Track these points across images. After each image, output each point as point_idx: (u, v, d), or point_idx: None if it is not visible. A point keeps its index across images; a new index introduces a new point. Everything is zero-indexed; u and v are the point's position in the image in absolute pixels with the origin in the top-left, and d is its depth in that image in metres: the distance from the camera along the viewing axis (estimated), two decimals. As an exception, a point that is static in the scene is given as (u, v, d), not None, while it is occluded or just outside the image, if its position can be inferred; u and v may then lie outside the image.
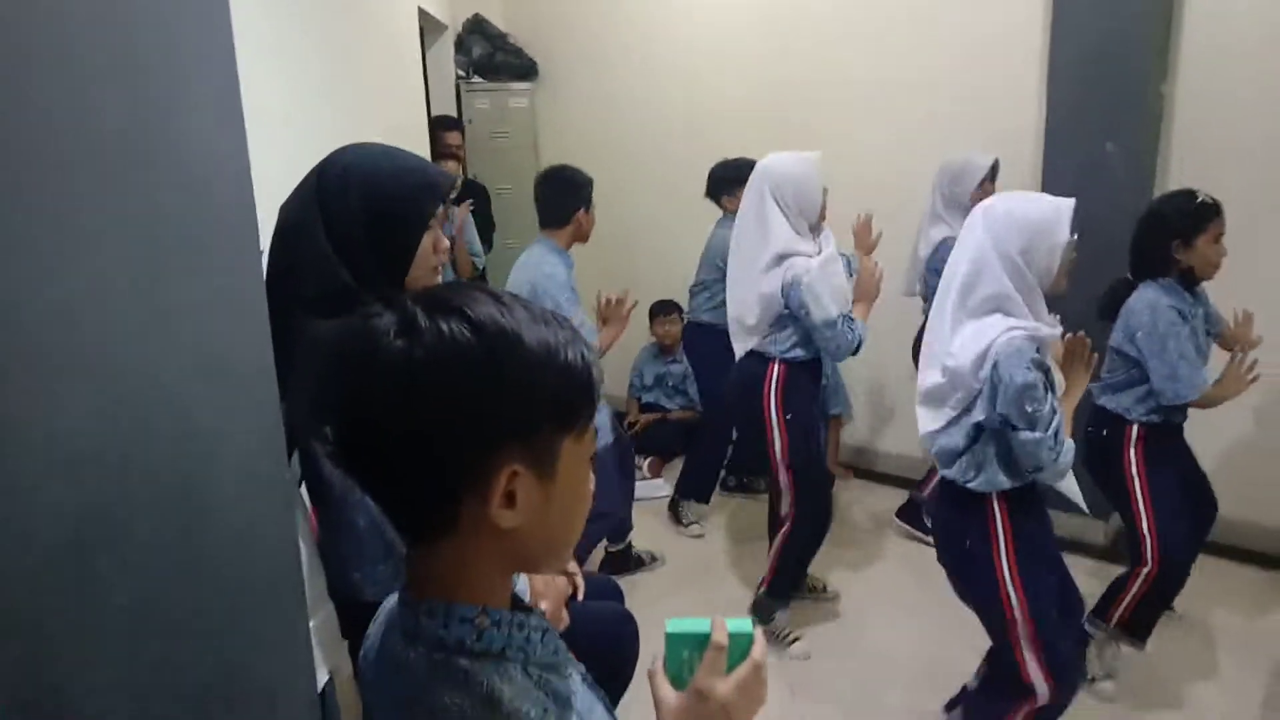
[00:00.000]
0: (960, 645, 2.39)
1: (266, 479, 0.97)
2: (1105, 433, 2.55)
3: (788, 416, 2.75)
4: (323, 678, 1.35)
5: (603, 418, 2.88)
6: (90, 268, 0.70)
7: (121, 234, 0.74)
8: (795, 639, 2.88)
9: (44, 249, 0.65)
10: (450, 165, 3.86)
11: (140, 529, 0.75)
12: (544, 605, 1.51)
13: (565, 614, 1.58)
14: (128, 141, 0.75)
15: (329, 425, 0.75)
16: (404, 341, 0.71)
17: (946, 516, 2.10)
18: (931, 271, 3.17)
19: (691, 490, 3.80)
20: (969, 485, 1.96)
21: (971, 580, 2.06)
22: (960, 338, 1.90)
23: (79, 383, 0.68)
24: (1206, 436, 2.82)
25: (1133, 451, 2.50)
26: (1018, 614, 1.97)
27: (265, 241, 1.10)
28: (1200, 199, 2.40)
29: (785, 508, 2.84)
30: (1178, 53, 3.16)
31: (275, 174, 1.36)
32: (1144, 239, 2.48)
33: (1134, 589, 2.54)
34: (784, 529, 2.85)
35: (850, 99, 3.97)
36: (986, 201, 1.94)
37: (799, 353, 2.73)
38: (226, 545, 0.87)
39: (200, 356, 0.85)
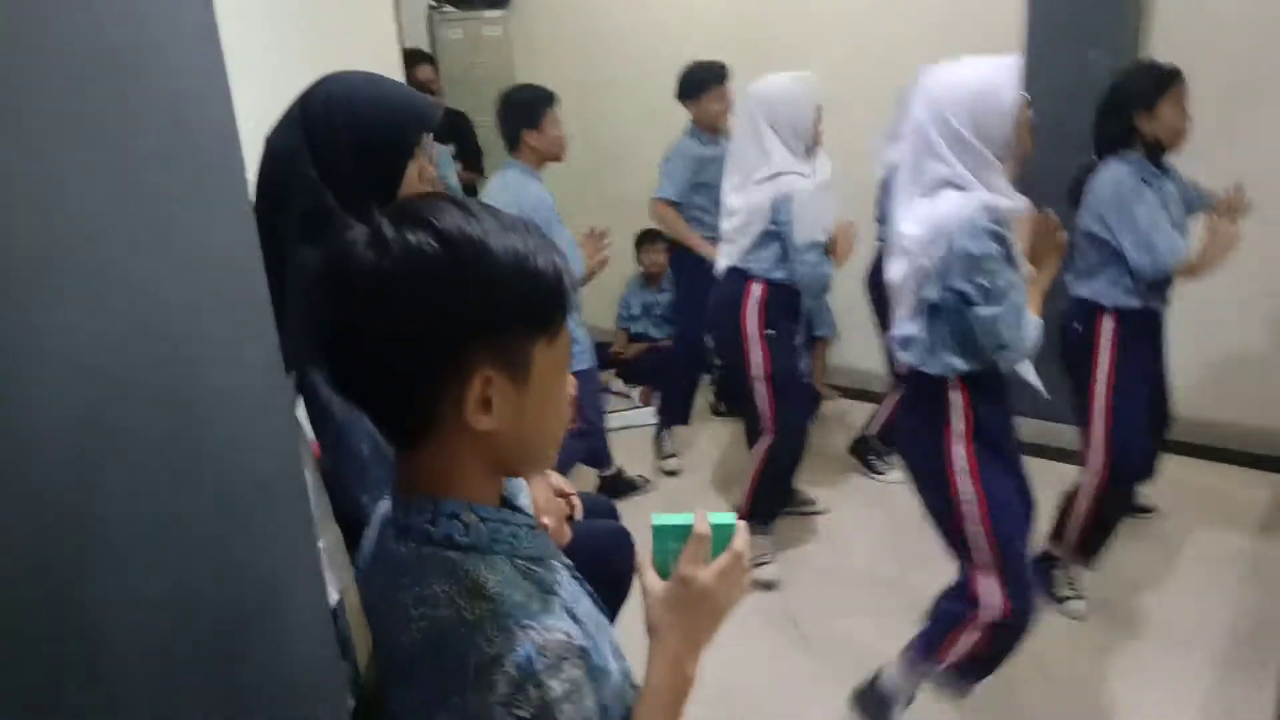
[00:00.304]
0: (943, 569, 2.14)
1: (264, 388, 0.99)
2: (1081, 327, 2.45)
3: (768, 332, 2.72)
4: (333, 597, 1.39)
5: (583, 336, 2.89)
6: (75, 180, 0.70)
7: (103, 146, 0.75)
8: (764, 563, 2.84)
9: (28, 163, 0.65)
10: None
11: (142, 436, 0.78)
12: (547, 521, 1.55)
13: (567, 529, 1.62)
14: (107, 60, 0.74)
15: (321, 343, 0.78)
16: (373, 253, 0.74)
17: (907, 410, 2.02)
18: (888, 194, 3.08)
19: (669, 417, 3.77)
20: (925, 370, 1.83)
21: (926, 475, 1.93)
22: (912, 217, 1.77)
23: (74, 295, 0.70)
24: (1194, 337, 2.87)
25: (1107, 342, 2.39)
26: (972, 511, 1.83)
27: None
28: (1159, 65, 2.36)
29: (763, 424, 2.82)
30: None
31: (244, 107, 1.34)
32: (1106, 114, 2.41)
33: (1083, 505, 2.47)
34: (762, 448, 2.83)
35: (833, 16, 3.91)
36: (925, 77, 1.77)
37: (781, 273, 2.69)
38: (228, 449, 0.90)
39: (192, 267, 0.86)
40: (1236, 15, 3.05)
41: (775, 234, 2.64)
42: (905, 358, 1.88)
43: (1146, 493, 2.91)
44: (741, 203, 2.66)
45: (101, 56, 0.74)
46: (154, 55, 0.80)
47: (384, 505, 0.89)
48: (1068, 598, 2.58)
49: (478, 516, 0.81)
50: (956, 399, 1.83)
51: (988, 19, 3.43)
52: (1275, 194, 3.06)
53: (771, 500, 2.94)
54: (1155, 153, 2.36)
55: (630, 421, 4.04)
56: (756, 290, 2.71)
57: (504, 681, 0.73)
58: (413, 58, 4.08)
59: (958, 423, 1.83)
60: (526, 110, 2.89)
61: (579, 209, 4.65)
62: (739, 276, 2.74)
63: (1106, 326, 2.40)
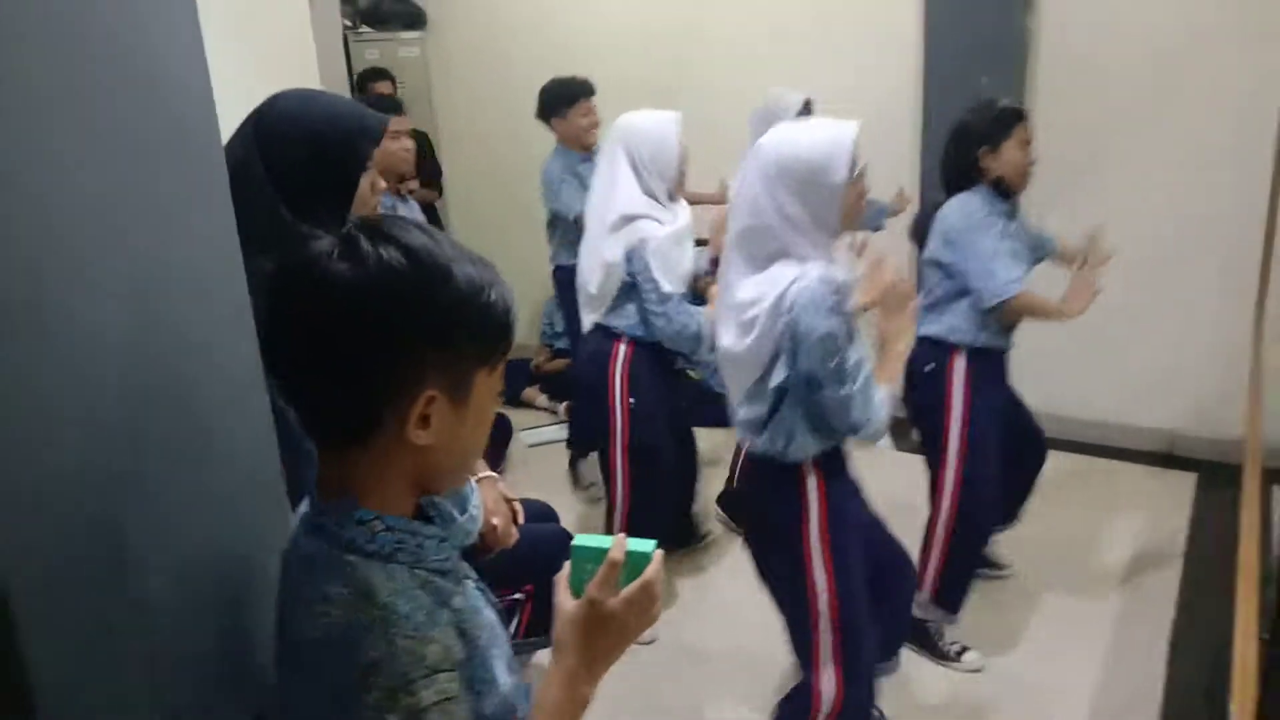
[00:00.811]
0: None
1: (249, 397, 1.05)
2: (930, 367, 2.37)
3: (631, 401, 2.54)
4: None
5: None
6: (69, 181, 0.76)
7: (96, 152, 0.80)
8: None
9: (31, 163, 0.71)
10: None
11: (133, 419, 0.84)
12: (496, 521, 1.61)
13: (514, 530, 1.68)
14: (98, 64, 0.80)
15: (268, 339, 0.82)
16: (347, 264, 0.77)
17: (757, 493, 1.90)
18: None
19: (580, 447, 3.55)
20: (780, 456, 1.73)
21: (781, 572, 1.85)
22: (747, 291, 1.67)
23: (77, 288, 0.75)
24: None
25: (959, 381, 2.34)
26: (824, 603, 1.76)
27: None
28: (1003, 104, 2.37)
29: (618, 499, 2.65)
30: (1039, -12, 3.40)
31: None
32: (953, 151, 2.39)
33: (934, 553, 2.42)
34: (620, 516, 2.64)
35: (730, 45, 4.07)
36: (761, 140, 1.68)
37: (644, 330, 2.50)
38: (210, 434, 0.97)
39: (184, 273, 0.92)
40: (1112, 40, 3.34)
41: (634, 286, 2.45)
42: (755, 444, 1.77)
43: (1004, 553, 2.85)
44: (597, 261, 2.47)
45: (104, 69, 0.80)
46: (150, 72, 0.86)
47: (305, 502, 0.92)
48: (959, 652, 2.48)
49: (385, 525, 0.84)
50: (812, 484, 1.75)
51: (888, 50, 3.65)
52: (1149, 221, 3.36)
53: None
54: (1002, 191, 2.35)
55: (549, 437, 4.07)
56: (623, 350, 2.54)
57: (378, 687, 0.77)
58: (370, 74, 4.23)
59: (815, 510, 1.75)
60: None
61: (501, 223, 4.71)
62: (604, 335, 2.57)
63: (958, 365, 2.35)
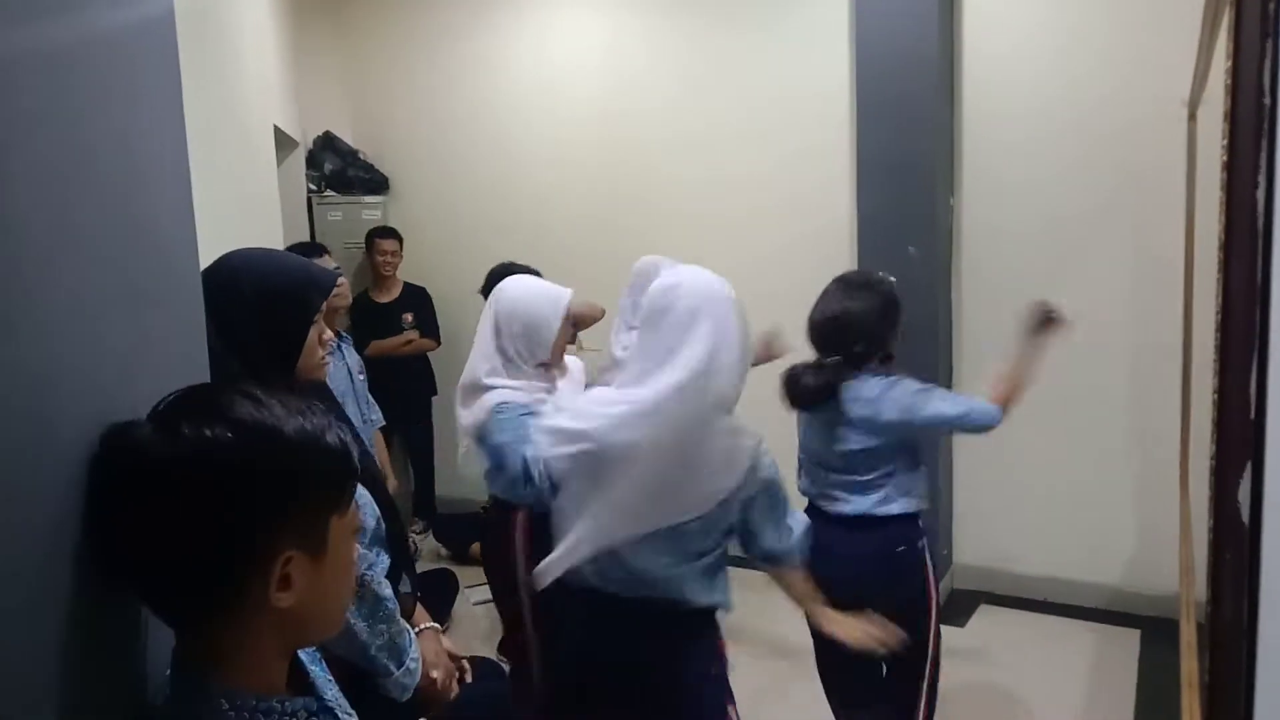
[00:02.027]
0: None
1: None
2: (901, 548, 2.21)
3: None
4: None
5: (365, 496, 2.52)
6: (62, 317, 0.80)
7: (88, 292, 0.85)
8: None
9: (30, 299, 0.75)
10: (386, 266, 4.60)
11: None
12: (435, 674, 1.58)
13: (454, 686, 1.64)
14: (96, 224, 0.87)
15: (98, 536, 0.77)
16: (165, 449, 0.75)
17: (672, 654, 1.74)
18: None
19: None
20: (699, 602, 1.72)
21: None
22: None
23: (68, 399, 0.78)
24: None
25: (927, 557, 2.24)
26: None
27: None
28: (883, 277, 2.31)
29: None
30: (961, 170, 3.72)
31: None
32: (877, 323, 2.21)
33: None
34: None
35: (676, 207, 4.34)
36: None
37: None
38: None
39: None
40: (1039, 201, 3.63)
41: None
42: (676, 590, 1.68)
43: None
44: (462, 427, 2.26)
45: (100, 221, 0.86)
46: (140, 220, 0.94)
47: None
48: None
49: (234, 705, 0.79)
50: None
51: (824, 220, 3.92)
52: (1069, 375, 3.56)
53: None
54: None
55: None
56: (521, 521, 2.23)
57: None
58: (378, 232, 4.66)
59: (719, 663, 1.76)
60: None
61: (453, 383, 4.76)
62: (499, 506, 2.28)
63: (920, 542, 2.23)
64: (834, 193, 3.86)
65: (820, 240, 3.90)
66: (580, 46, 4.54)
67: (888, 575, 2.17)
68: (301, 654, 0.94)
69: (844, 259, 3.78)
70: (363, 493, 1.52)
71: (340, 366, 3.19)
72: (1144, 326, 3.47)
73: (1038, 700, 3.03)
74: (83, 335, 0.80)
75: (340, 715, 0.91)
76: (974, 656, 3.29)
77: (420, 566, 4.04)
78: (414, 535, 4.58)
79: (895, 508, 2.18)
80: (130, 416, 0.81)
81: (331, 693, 0.95)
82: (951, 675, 3.04)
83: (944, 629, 3.41)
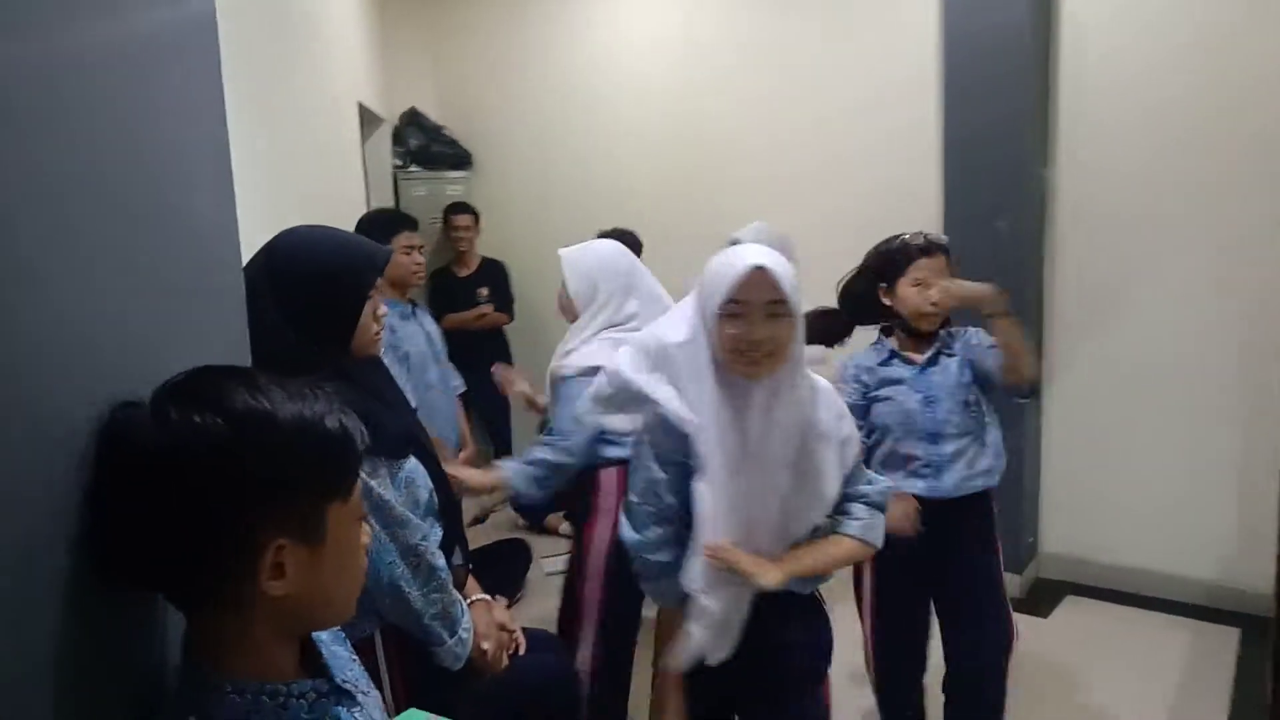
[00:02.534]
0: None
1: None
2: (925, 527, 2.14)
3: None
4: None
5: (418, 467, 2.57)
6: (95, 307, 0.83)
7: (126, 285, 0.88)
8: None
9: (60, 298, 0.78)
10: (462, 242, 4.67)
11: None
12: (486, 646, 1.60)
13: (504, 658, 1.66)
14: (133, 218, 0.89)
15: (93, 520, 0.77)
16: (158, 435, 0.74)
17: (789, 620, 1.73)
18: None
19: None
20: None
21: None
22: None
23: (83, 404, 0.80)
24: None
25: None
26: None
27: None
28: (904, 238, 2.18)
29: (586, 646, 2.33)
30: (1055, 138, 3.52)
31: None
32: (854, 282, 2.24)
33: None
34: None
35: (758, 183, 4.24)
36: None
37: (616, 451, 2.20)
38: None
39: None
40: (1129, 187, 3.42)
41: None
42: None
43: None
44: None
45: (133, 217, 0.89)
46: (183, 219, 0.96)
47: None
48: None
49: (239, 690, 0.79)
50: None
51: (907, 196, 3.78)
52: (1171, 364, 3.36)
53: None
54: (913, 332, 2.17)
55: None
56: (602, 480, 2.28)
57: None
58: (453, 208, 4.73)
59: None
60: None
61: (537, 355, 4.82)
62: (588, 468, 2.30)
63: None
64: (920, 163, 3.72)
65: (904, 213, 3.76)
66: (660, 22, 4.49)
67: None
68: (323, 634, 0.94)
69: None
70: (415, 464, 1.55)
71: (417, 331, 3.22)
72: (1254, 317, 3.23)
73: (1125, 698, 2.89)
74: (104, 324, 0.82)
75: (357, 694, 0.91)
76: (1057, 649, 3.16)
77: (495, 536, 4.13)
78: (491, 505, 4.66)
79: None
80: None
81: (351, 672, 0.96)
82: (1032, 668, 2.95)
83: (1025, 619, 3.33)
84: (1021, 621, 3.23)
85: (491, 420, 4.85)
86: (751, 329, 1.45)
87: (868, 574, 2.26)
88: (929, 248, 2.12)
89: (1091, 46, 3.43)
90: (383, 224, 3.08)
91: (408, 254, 3.04)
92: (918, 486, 2.15)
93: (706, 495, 1.46)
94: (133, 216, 0.86)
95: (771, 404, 1.48)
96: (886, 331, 2.26)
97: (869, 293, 2.17)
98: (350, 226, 3.14)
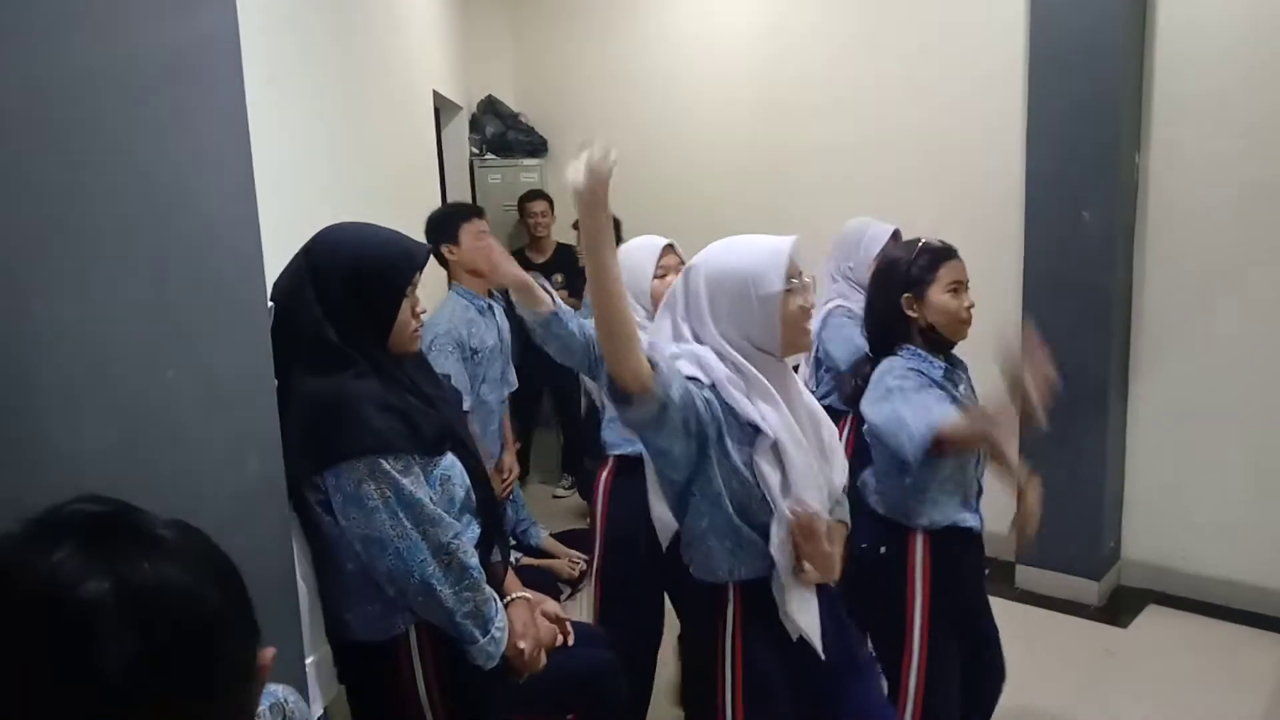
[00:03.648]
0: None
1: (264, 511, 1.13)
2: (884, 549, 1.99)
3: (605, 524, 2.31)
4: (316, 711, 1.47)
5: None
6: (113, 313, 0.86)
7: (140, 283, 0.91)
8: None
9: (79, 299, 0.81)
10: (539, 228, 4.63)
11: None
12: (523, 645, 1.61)
13: (542, 657, 1.67)
14: (152, 207, 0.92)
15: None
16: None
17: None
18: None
19: None
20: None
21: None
22: None
23: (101, 415, 0.84)
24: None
25: (919, 571, 1.95)
26: None
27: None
28: (924, 242, 2.02)
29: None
30: (1149, 123, 3.32)
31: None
32: (875, 300, 2.07)
33: None
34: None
35: (835, 173, 4.15)
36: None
37: (627, 446, 2.24)
38: (228, 546, 1.02)
39: (209, 392, 1.01)
40: (1225, 183, 3.21)
41: None
42: None
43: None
44: None
45: (153, 211, 0.92)
46: (193, 205, 0.99)
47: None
48: None
49: None
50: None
51: (989, 184, 3.63)
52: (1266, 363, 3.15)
53: None
54: (937, 343, 1.99)
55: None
56: (608, 466, 2.35)
57: None
58: (528, 195, 4.72)
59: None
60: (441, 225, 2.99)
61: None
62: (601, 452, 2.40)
63: (916, 549, 1.96)
64: (1002, 150, 3.56)
65: (985, 200, 3.63)
66: (739, 8, 4.42)
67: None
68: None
69: (1010, 222, 3.50)
70: (452, 461, 1.57)
71: (491, 326, 3.26)
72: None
73: (1207, 714, 2.75)
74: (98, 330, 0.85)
75: None
76: (1137, 661, 3.03)
77: (566, 524, 4.18)
78: (562, 492, 4.72)
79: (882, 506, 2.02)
80: (153, 405, 0.87)
81: None
82: (1110, 680, 2.84)
83: (1104, 628, 3.19)
84: (1099, 631, 3.16)
85: (562, 409, 4.82)
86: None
87: (918, 623, 1.97)
88: (950, 249, 2.00)
89: (1194, 16, 3.19)
90: (448, 219, 3.12)
91: (479, 239, 3.07)
92: (972, 521, 1.97)
93: (778, 463, 1.54)
94: (155, 221, 0.90)
95: (796, 386, 1.65)
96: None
97: (891, 307, 2.00)
98: (424, 215, 3.20)
